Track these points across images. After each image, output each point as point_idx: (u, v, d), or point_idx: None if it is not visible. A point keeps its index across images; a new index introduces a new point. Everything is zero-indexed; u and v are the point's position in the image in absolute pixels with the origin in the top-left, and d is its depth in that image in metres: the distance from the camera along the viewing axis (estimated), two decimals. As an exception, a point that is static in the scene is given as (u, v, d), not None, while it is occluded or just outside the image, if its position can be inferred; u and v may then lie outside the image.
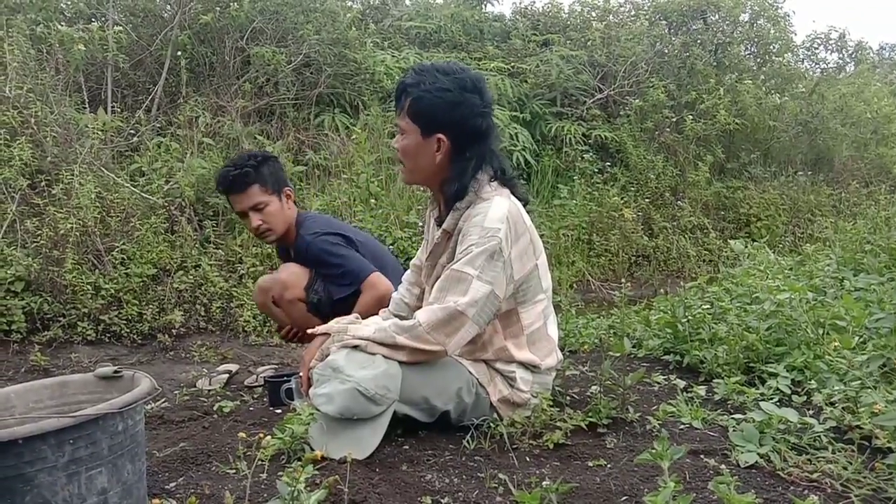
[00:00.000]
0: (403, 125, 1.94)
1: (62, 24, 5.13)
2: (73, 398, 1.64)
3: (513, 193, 1.98)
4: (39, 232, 3.88)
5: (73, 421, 1.29)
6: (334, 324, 1.96)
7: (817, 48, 9.84)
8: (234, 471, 1.69)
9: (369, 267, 2.61)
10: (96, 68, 5.50)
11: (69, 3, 5.90)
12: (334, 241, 2.64)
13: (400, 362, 1.81)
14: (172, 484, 1.64)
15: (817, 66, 10.12)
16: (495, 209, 1.86)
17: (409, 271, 2.34)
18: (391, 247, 4.98)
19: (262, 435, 1.74)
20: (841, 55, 10.10)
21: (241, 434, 1.79)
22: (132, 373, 1.63)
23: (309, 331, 2.05)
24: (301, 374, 2.06)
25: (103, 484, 1.34)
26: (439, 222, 2.02)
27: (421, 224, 5.14)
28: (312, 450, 1.72)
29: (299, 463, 1.50)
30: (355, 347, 1.81)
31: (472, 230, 1.85)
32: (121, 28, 5.59)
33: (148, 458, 1.72)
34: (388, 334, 1.80)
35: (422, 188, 5.55)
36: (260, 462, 1.66)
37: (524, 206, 2.01)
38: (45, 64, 4.77)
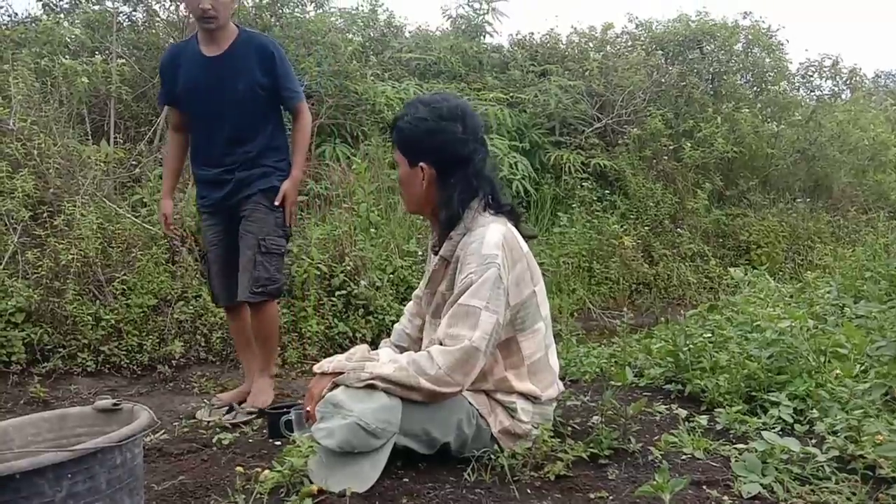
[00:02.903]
0: (396, 157, 2.05)
1: (66, 57, 5.20)
2: (72, 431, 1.64)
3: (517, 228, 2.00)
4: (40, 263, 3.88)
5: (71, 455, 1.28)
6: (346, 361, 1.86)
7: (812, 76, 9.94)
8: (232, 504, 1.68)
9: None
10: (99, 100, 5.56)
11: (73, 36, 5.98)
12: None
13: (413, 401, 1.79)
14: (170, 518, 1.62)
15: (813, 93, 10.21)
16: (491, 235, 1.88)
17: (411, 302, 2.35)
18: (392, 275, 4.97)
19: (260, 469, 1.73)
20: (835, 82, 10.20)
21: (239, 468, 1.78)
22: (131, 405, 1.63)
23: (316, 367, 1.95)
24: (307, 407, 1.94)
25: (101, 519, 1.33)
26: (435, 250, 2.04)
27: (421, 253, 5.15)
28: (312, 483, 1.71)
29: (298, 496, 1.49)
30: (369, 385, 1.77)
31: (471, 258, 1.86)
32: (124, 61, 5.66)
33: (146, 491, 1.71)
34: (409, 374, 1.76)
35: (420, 217, 5.59)
36: (259, 495, 1.65)
37: (528, 240, 2.03)
38: (48, 96, 4.81)
